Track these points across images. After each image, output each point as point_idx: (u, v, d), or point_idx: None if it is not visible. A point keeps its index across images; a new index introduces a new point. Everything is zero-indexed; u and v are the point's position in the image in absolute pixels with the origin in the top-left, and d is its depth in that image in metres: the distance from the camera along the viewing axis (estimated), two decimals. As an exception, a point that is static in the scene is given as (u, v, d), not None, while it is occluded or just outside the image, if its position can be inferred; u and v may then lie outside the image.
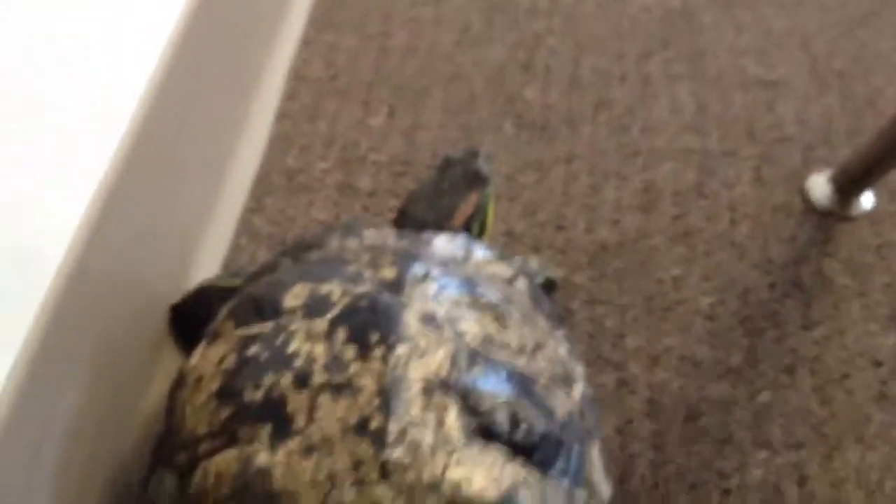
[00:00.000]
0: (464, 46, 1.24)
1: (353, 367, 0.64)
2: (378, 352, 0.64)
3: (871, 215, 1.09)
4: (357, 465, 0.60)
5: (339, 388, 0.63)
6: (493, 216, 0.92)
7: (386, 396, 0.62)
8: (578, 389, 0.72)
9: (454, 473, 0.61)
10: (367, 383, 0.63)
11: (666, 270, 1.02)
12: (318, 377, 0.64)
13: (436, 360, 0.65)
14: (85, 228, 0.65)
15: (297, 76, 1.19)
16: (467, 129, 1.15)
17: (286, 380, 0.64)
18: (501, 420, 0.64)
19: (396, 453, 0.61)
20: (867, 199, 1.10)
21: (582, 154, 1.13)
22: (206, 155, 0.98)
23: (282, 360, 0.65)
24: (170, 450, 0.67)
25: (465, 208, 0.87)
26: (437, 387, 0.64)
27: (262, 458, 0.62)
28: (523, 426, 0.64)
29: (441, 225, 0.85)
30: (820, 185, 1.10)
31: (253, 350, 0.66)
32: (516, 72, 1.22)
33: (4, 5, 0.77)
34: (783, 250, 1.05)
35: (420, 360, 0.65)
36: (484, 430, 0.63)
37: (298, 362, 0.65)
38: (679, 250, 1.04)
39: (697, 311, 0.99)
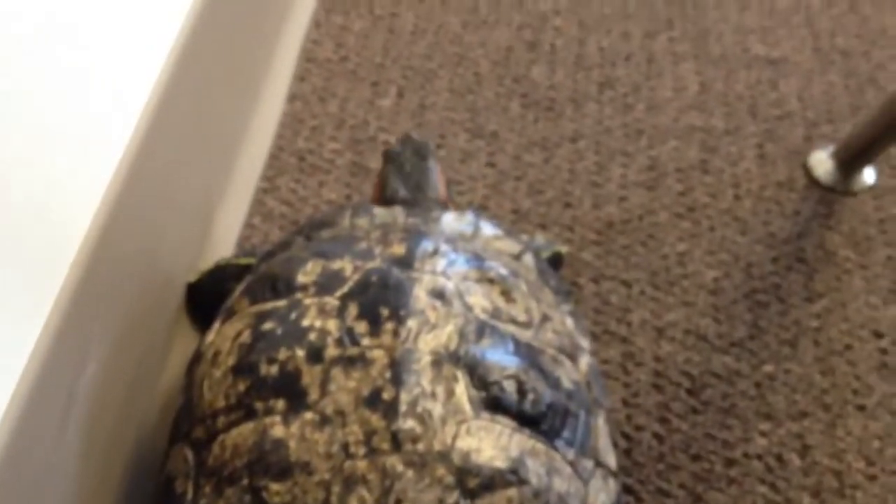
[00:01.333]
0: (471, 28, 1.26)
1: (365, 341, 0.65)
2: (389, 326, 0.66)
3: (873, 190, 1.11)
4: (369, 435, 0.62)
5: (352, 362, 0.64)
6: None
7: (397, 369, 0.64)
8: (585, 361, 0.73)
9: (463, 443, 0.62)
10: (379, 356, 0.64)
11: (671, 246, 1.04)
12: (331, 351, 0.65)
13: (445, 333, 0.66)
14: (105, 208, 0.67)
15: (308, 58, 1.20)
16: (474, 109, 1.16)
17: (300, 354, 0.65)
18: (509, 391, 0.65)
19: (408, 424, 0.62)
20: (869, 175, 1.11)
21: (587, 133, 1.14)
22: (218, 138, 1.00)
23: (296, 334, 0.66)
24: (188, 424, 0.68)
25: (440, 177, 0.89)
26: (446, 359, 0.65)
27: (277, 430, 0.63)
28: (530, 396, 0.65)
29: (427, 199, 0.86)
30: (822, 161, 1.12)
31: (268, 325, 0.68)
32: (522, 52, 1.23)
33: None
34: (786, 225, 1.06)
35: (430, 334, 0.66)
36: (492, 401, 0.64)
37: (312, 337, 0.66)
38: (684, 226, 1.06)
39: (702, 285, 1.01)
